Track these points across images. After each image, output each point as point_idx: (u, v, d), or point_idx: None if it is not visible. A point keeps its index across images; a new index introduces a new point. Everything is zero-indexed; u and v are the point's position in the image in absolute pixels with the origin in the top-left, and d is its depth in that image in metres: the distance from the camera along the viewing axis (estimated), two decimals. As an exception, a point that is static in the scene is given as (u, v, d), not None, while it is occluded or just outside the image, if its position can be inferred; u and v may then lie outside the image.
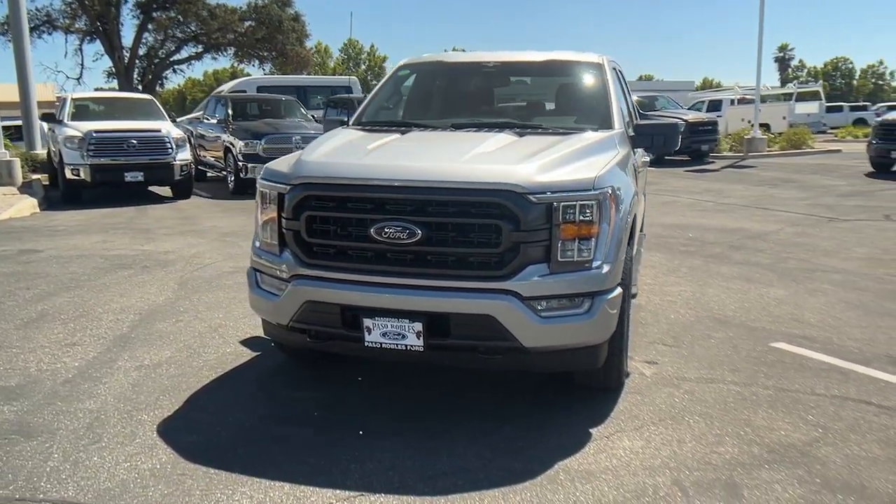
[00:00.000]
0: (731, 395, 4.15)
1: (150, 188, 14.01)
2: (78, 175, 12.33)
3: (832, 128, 38.46)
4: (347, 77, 26.43)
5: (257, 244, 4.07)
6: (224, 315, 5.73)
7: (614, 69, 5.44)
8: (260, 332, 5.18)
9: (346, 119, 5.32)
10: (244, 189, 14.06)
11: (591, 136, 4.31)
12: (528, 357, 3.59)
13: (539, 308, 3.49)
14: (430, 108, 5.35)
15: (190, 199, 13.56)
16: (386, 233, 3.50)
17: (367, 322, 3.58)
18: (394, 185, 3.54)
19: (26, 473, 3.24)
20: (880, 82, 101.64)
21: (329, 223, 3.66)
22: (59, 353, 4.83)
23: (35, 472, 3.25)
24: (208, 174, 16.56)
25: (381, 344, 3.60)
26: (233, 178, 14.30)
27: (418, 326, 3.51)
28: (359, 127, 4.91)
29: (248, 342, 5.06)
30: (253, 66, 38.70)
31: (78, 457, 3.38)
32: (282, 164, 4.06)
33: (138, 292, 6.45)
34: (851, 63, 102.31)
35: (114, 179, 12.64)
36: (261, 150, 13.76)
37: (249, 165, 13.78)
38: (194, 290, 6.54)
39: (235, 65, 46.60)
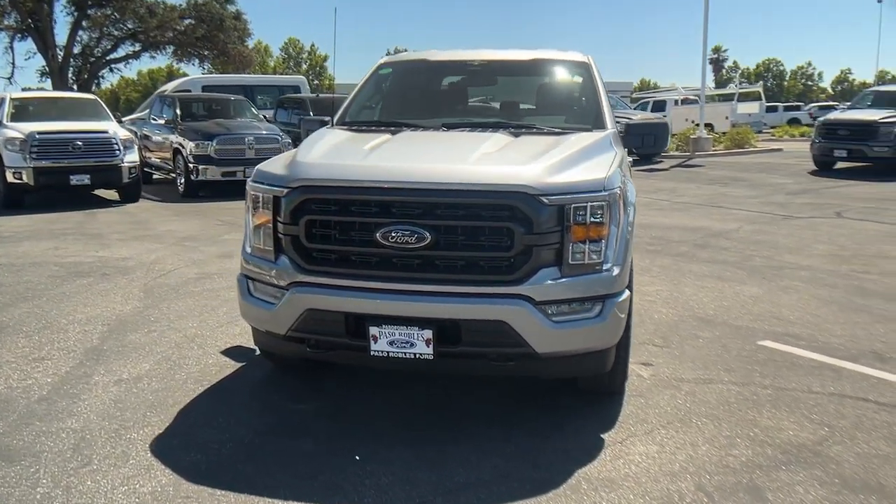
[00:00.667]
0: (732, 396, 4.14)
1: (96, 192, 13.45)
2: (20, 178, 11.76)
3: (770, 127, 39.72)
4: (296, 76, 26.01)
5: (248, 250, 3.87)
6: (198, 324, 5.48)
7: (597, 68, 5.40)
8: (240, 342, 5.02)
9: (326, 119, 5.14)
10: (195, 192, 13.67)
11: (587, 137, 4.24)
12: (539, 363, 3.51)
13: (550, 312, 3.41)
14: (416, 107, 5.21)
15: (139, 202, 13.08)
16: (392, 237, 3.36)
17: (374, 330, 3.44)
18: (401, 188, 3.41)
19: (14, 502, 2.99)
20: (809, 83, 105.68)
21: (331, 227, 3.50)
22: (28, 369, 4.53)
23: (24, 500, 3.01)
24: (154, 176, 16.02)
25: (387, 353, 3.45)
26: (183, 181, 13.84)
27: (428, 334, 3.39)
28: (345, 127, 4.74)
29: (230, 352, 4.84)
30: (193, 65, 37.79)
31: (69, 482, 3.15)
32: (275, 165, 3.88)
33: (102, 301, 6.13)
34: (782, 65, 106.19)
35: (58, 183, 12.11)
36: (212, 151, 13.41)
37: (201, 167, 13.40)
38: (161, 298, 6.26)
39: (172, 64, 45.42)
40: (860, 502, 3.04)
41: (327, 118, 5.18)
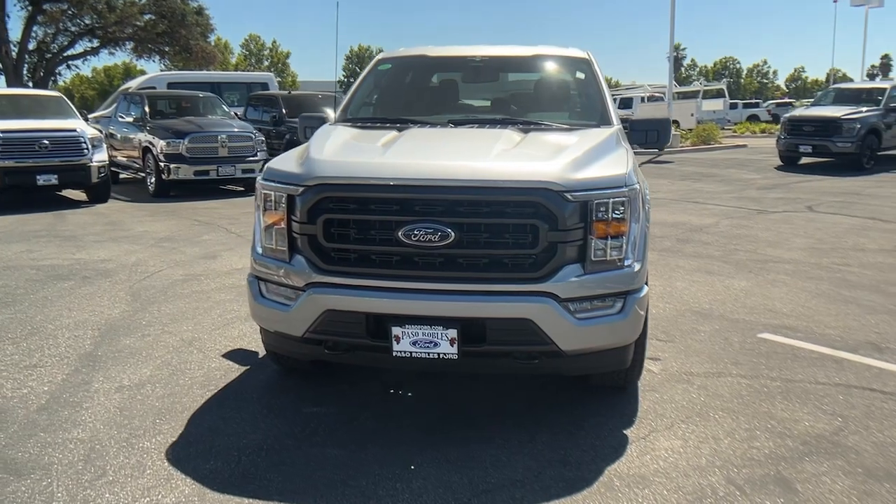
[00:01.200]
0: (744, 388, 4.17)
1: (64, 192, 13.07)
2: (-17, 179, 11.37)
3: (733, 124, 40.44)
4: (264, 73, 25.65)
5: (259, 250, 3.76)
6: (193, 327, 5.34)
7: (598, 65, 5.39)
8: (241, 345, 4.92)
9: (325, 116, 5.05)
10: (166, 191, 13.37)
11: (597, 133, 4.22)
12: (563, 360, 3.48)
13: (574, 310, 3.38)
14: (418, 103, 5.13)
15: (108, 202, 12.75)
16: (415, 235, 3.30)
17: (396, 331, 3.37)
18: (424, 185, 3.34)
19: (32, 517, 2.87)
20: (765, 80, 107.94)
21: (349, 226, 3.43)
22: (22, 377, 4.36)
23: (43, 514, 2.89)
24: (122, 176, 15.64)
25: (410, 353, 3.39)
26: (154, 180, 13.53)
27: (452, 333, 3.33)
28: (348, 124, 4.64)
29: (232, 355, 4.73)
30: (153, 61, 37.11)
31: (86, 495, 3.03)
32: (286, 163, 3.78)
33: (88, 305, 5.95)
34: (739, 63, 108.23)
35: (24, 183, 11.73)
36: (184, 149, 13.12)
37: (172, 166, 13.10)
38: (150, 301, 6.09)
39: (131, 60, 44.54)
40: (887, 491, 3.07)
41: (326, 115, 5.09)
